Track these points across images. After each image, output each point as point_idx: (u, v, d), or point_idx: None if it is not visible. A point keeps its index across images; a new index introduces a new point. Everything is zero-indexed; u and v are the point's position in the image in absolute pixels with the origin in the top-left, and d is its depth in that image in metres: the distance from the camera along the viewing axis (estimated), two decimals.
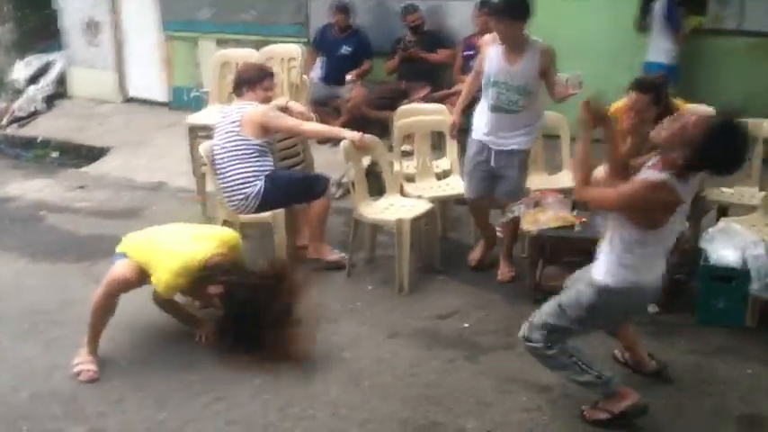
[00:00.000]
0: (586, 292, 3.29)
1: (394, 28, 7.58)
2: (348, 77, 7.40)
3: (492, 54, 4.59)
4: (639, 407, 3.40)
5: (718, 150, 2.91)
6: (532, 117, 4.69)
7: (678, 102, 4.52)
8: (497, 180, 4.80)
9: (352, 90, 7.42)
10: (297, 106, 5.36)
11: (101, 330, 3.99)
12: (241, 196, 4.81)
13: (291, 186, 4.94)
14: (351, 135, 4.94)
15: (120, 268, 3.91)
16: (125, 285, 3.90)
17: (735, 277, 4.16)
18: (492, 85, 4.59)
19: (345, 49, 7.53)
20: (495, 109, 4.63)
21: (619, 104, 4.45)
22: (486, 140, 4.71)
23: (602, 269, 3.25)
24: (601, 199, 3.26)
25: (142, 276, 3.90)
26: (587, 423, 3.47)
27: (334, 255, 5.09)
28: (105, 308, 3.93)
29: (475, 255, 5.09)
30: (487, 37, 4.72)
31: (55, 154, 8.47)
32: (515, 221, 4.77)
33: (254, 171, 4.81)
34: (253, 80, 5.01)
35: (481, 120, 4.74)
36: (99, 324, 3.97)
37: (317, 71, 7.70)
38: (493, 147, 4.70)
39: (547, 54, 4.54)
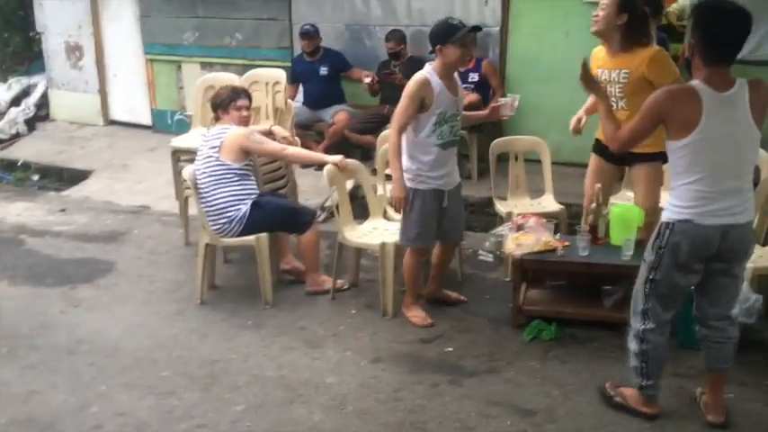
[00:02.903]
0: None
1: (378, 52, 7.63)
2: (367, 80, 7.36)
3: (436, 92, 4.28)
4: (650, 417, 3.63)
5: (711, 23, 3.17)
6: None
7: None
8: (450, 220, 4.58)
9: (335, 115, 7.46)
10: (280, 131, 5.37)
11: None
12: (224, 220, 4.80)
13: (277, 215, 4.93)
14: (332, 159, 4.97)
15: None
16: None
17: None
18: (446, 122, 4.35)
19: (323, 71, 7.57)
20: (447, 145, 4.42)
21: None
22: (440, 184, 4.46)
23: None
24: (631, 129, 3.38)
25: None
26: (603, 388, 3.76)
27: (329, 283, 5.03)
28: None
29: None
30: (420, 78, 4.29)
31: (36, 177, 8.41)
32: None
33: (237, 194, 4.81)
34: (225, 102, 5.02)
35: (425, 166, 4.40)
36: None
37: (299, 97, 7.71)
38: (445, 188, 4.50)
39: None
